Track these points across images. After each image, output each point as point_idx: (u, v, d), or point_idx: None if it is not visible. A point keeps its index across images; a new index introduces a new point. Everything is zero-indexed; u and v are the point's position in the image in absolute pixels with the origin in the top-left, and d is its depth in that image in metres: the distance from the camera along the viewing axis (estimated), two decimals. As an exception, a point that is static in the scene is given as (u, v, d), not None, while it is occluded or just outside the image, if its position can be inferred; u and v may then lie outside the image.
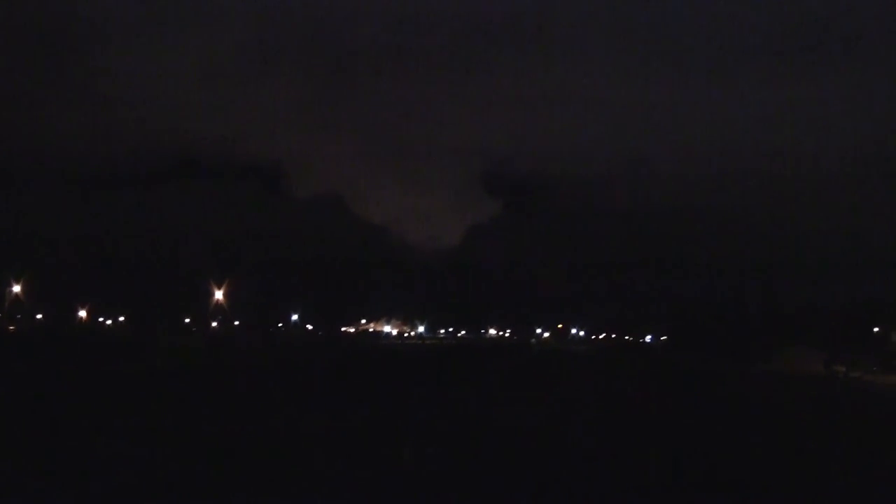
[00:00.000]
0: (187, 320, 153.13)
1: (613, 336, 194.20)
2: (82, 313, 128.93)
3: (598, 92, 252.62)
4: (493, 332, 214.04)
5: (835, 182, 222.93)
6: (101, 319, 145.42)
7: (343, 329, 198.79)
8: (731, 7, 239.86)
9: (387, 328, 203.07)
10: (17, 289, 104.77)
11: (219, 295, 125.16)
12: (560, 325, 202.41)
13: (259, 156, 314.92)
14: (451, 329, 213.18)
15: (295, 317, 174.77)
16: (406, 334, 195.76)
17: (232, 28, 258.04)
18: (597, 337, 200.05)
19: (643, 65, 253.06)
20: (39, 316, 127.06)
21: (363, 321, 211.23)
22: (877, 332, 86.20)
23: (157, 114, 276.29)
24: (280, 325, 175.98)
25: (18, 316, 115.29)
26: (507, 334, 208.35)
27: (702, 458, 21.01)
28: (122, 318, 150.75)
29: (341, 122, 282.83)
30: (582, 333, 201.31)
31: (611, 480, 17.97)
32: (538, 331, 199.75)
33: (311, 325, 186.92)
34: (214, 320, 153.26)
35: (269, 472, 17.42)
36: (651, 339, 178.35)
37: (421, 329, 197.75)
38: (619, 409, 34.08)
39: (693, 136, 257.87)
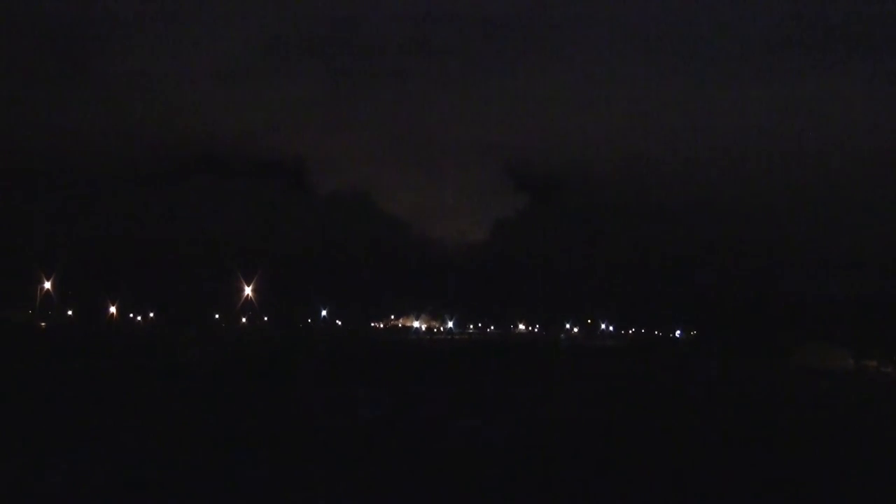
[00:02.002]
0: (217, 316, 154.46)
1: (643, 331, 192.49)
2: (112, 310, 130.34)
3: (622, 87, 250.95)
4: (522, 327, 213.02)
5: (857, 176, 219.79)
6: (131, 315, 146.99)
7: (372, 324, 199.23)
8: (740, 7, 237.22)
9: (416, 324, 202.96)
10: (47, 286, 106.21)
11: (248, 291, 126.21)
12: (589, 321, 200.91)
13: (283, 152, 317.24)
14: (480, 325, 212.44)
15: (324, 313, 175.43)
16: (435, 330, 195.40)
17: (254, 24, 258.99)
18: (626, 332, 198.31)
19: (668, 59, 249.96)
20: (70, 312, 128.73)
21: (392, 317, 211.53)
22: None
23: (179, 111, 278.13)
24: (309, 320, 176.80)
25: (49, 312, 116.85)
26: (536, 330, 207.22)
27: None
28: (151, 315, 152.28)
29: (365, 117, 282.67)
30: (612, 328, 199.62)
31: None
32: (567, 326, 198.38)
33: (341, 321, 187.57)
34: (244, 316, 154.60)
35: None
36: (680, 333, 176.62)
37: (450, 325, 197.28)
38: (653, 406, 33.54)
39: (720, 132, 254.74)
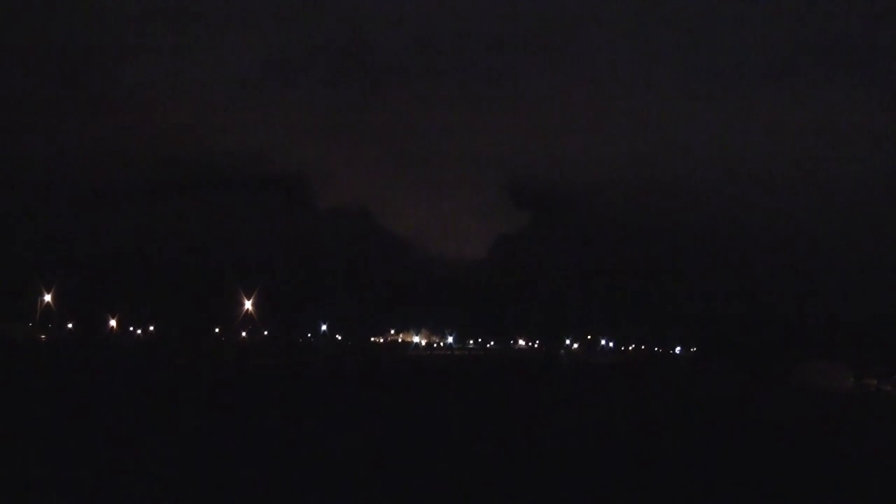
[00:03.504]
0: (216, 330, 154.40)
1: (643, 348, 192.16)
2: (112, 323, 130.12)
3: (624, 103, 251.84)
4: (522, 343, 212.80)
5: (858, 194, 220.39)
6: (131, 329, 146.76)
7: (372, 339, 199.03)
8: (744, 24, 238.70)
9: (416, 339, 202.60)
10: (47, 298, 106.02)
11: (248, 305, 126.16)
12: (589, 337, 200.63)
13: (283, 168, 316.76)
14: (480, 340, 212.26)
15: (324, 327, 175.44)
16: (435, 345, 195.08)
17: (256, 40, 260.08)
18: (626, 349, 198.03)
19: (669, 77, 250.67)
20: (70, 325, 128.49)
21: (392, 331, 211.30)
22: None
23: (182, 126, 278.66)
24: (309, 335, 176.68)
25: (50, 326, 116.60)
26: (536, 346, 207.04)
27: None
28: (151, 328, 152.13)
29: (366, 133, 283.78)
30: (611, 345, 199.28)
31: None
32: (567, 342, 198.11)
33: (340, 335, 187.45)
34: (244, 330, 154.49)
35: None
36: (680, 350, 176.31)
37: (450, 340, 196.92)
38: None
39: (720, 149, 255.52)
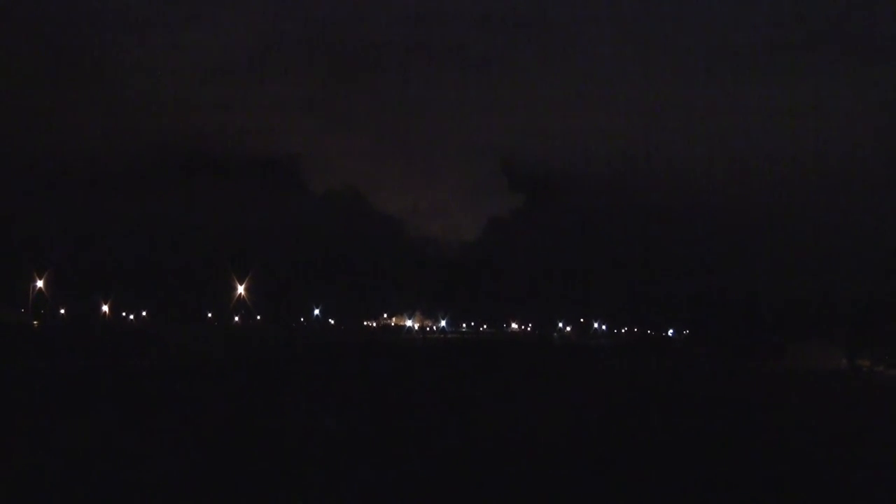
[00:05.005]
0: (209, 315, 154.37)
1: (636, 330, 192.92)
2: (105, 308, 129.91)
3: (618, 88, 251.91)
4: (515, 326, 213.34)
5: (852, 176, 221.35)
6: (123, 314, 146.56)
7: (365, 323, 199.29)
8: (738, 11, 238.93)
9: (409, 322, 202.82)
10: (39, 284, 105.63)
11: (241, 290, 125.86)
12: (582, 320, 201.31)
13: (278, 151, 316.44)
14: (473, 323, 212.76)
15: (317, 311, 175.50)
16: (428, 328, 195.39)
17: (248, 24, 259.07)
18: (619, 331, 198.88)
19: (665, 62, 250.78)
20: (63, 311, 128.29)
21: (385, 315, 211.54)
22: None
23: (173, 110, 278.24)
24: (302, 319, 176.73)
25: (42, 311, 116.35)
26: (529, 328, 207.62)
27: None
28: (144, 314, 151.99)
29: (358, 116, 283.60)
30: (604, 328, 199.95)
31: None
32: (560, 325, 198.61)
33: (333, 319, 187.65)
34: (237, 315, 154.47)
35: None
36: (673, 333, 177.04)
37: (443, 323, 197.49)
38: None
39: (715, 134, 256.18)
